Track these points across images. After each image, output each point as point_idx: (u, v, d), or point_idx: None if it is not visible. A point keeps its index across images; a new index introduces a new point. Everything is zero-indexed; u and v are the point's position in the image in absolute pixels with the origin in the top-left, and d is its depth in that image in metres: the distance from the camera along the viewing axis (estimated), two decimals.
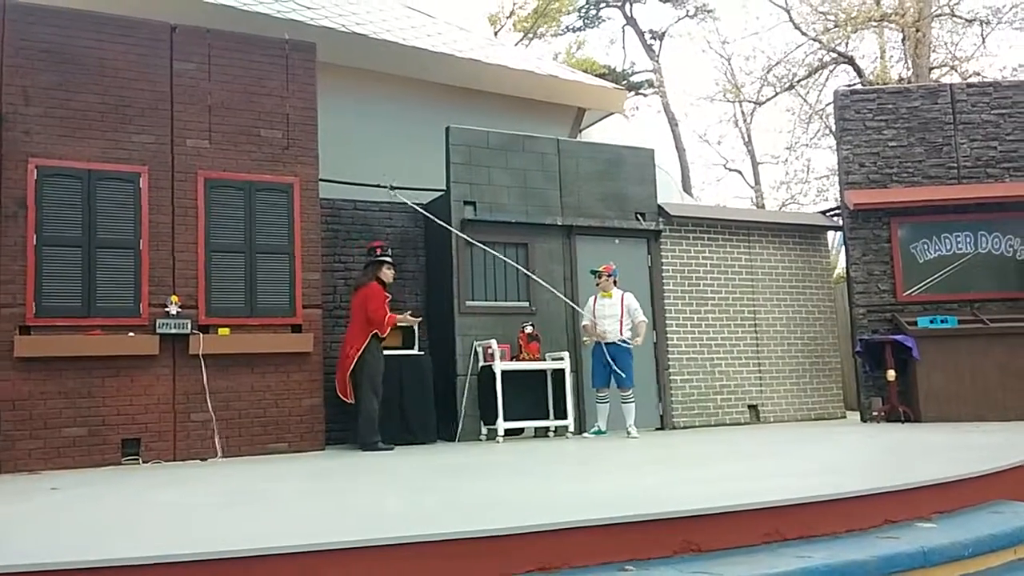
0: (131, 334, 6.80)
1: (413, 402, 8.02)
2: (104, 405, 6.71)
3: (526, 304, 8.85)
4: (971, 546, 3.66)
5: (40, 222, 6.65)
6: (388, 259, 7.88)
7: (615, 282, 8.47)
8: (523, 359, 8.37)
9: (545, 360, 8.50)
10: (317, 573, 2.88)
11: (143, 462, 6.75)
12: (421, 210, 8.94)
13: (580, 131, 13.20)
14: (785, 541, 3.57)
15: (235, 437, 7.12)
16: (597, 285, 8.48)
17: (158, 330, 6.86)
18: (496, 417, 7.98)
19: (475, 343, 8.47)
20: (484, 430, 8.32)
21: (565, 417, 8.38)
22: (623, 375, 8.21)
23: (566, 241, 9.20)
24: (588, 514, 3.39)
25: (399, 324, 7.82)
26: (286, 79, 7.76)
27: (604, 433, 8.32)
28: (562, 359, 8.47)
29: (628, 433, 8.22)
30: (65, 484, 5.37)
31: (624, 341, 8.27)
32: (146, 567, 2.73)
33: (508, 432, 8.12)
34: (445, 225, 8.58)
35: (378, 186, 8.98)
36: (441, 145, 8.88)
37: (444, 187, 8.86)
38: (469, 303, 8.59)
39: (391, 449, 7.34)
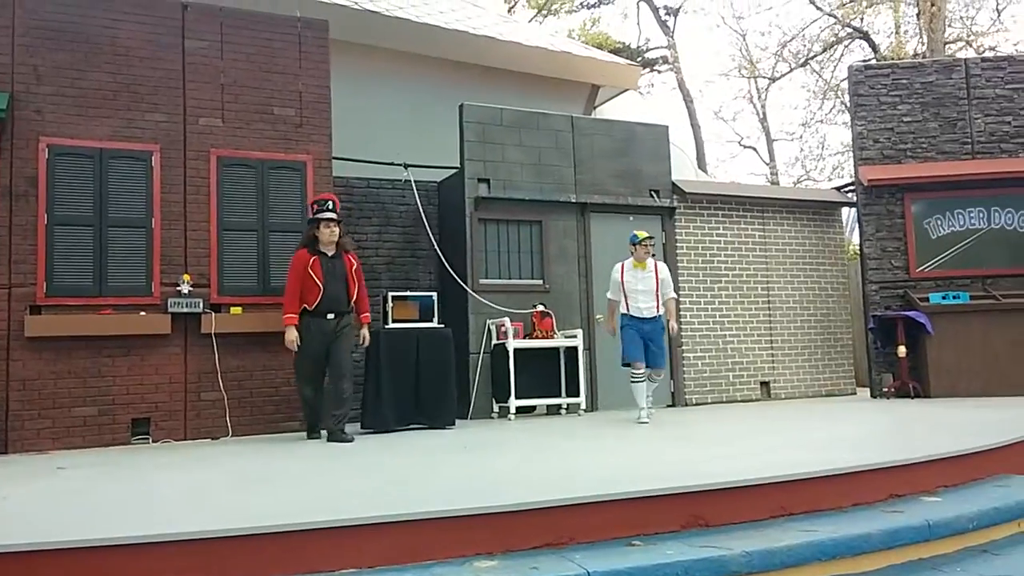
0: (143, 313, 6.83)
1: (430, 381, 7.25)
2: (114, 384, 6.75)
3: (540, 282, 8.86)
4: (975, 519, 3.68)
5: (51, 201, 6.67)
6: (326, 215, 6.57)
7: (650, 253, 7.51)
8: (537, 336, 8.39)
9: (558, 337, 8.50)
10: (315, 549, 2.93)
11: (153, 441, 6.80)
12: (419, 204, 8.94)
13: (595, 108, 13.13)
14: (792, 516, 3.60)
15: (246, 416, 7.16)
16: (632, 254, 7.47)
17: (170, 309, 6.89)
18: (508, 395, 8.01)
19: (488, 321, 8.50)
20: (496, 408, 8.37)
21: (577, 395, 8.41)
22: (659, 354, 7.34)
23: (580, 218, 9.19)
24: (596, 490, 3.42)
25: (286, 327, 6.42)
26: (299, 57, 7.76)
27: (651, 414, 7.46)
28: (575, 336, 8.48)
29: (639, 418, 7.30)
30: (73, 464, 5.44)
31: (661, 316, 7.39)
32: (145, 546, 2.79)
33: (520, 410, 8.16)
34: (428, 227, 8.59)
35: (391, 164, 9.00)
36: (455, 122, 8.86)
37: (458, 165, 8.86)
38: (483, 281, 8.61)
39: (316, 438, 6.61)
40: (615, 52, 19.32)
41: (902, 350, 9.29)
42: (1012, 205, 9.73)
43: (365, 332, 6.84)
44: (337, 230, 6.61)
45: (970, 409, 7.36)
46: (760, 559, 3.12)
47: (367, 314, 6.85)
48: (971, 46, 20.35)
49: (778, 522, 3.53)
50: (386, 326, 7.38)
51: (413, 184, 9.01)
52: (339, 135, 8.05)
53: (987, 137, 9.91)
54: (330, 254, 6.59)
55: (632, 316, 7.33)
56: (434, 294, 7.78)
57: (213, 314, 7.03)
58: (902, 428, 6.06)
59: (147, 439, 6.80)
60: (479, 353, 8.45)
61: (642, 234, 7.45)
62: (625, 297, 7.37)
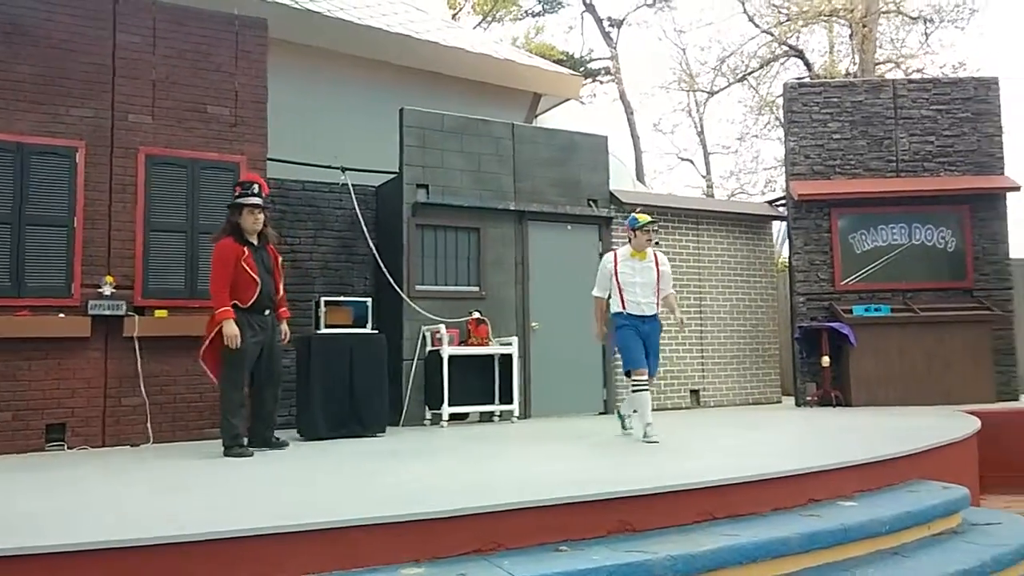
0: (61, 315, 6.59)
1: (362, 388, 7.06)
2: (30, 389, 6.48)
3: (476, 289, 8.86)
4: (889, 523, 3.82)
5: None
6: (251, 200, 6.02)
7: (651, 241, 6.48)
8: (472, 343, 8.37)
9: (493, 344, 8.50)
10: (243, 558, 2.88)
11: (68, 448, 6.57)
12: (357, 208, 8.86)
13: (536, 116, 13.21)
14: (715, 520, 3.68)
15: (168, 422, 6.96)
16: (630, 241, 6.45)
17: (90, 311, 6.65)
18: (441, 402, 7.98)
19: (423, 328, 8.45)
20: (429, 415, 8.32)
21: (511, 402, 8.42)
22: (653, 360, 6.35)
23: (518, 226, 9.21)
24: (524, 496, 3.44)
25: (223, 331, 5.80)
26: (235, 55, 7.61)
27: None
28: (510, 344, 8.49)
29: (646, 435, 6.07)
30: None
31: (658, 316, 6.42)
32: (60, 555, 2.71)
33: (453, 417, 8.13)
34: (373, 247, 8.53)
35: (328, 167, 8.89)
36: (395, 127, 8.80)
37: (397, 170, 8.80)
38: (419, 287, 8.57)
39: (250, 455, 5.80)
40: (558, 62, 19.48)
41: (825, 360, 9.59)
42: (932, 222, 10.15)
43: (286, 327, 6.40)
44: (262, 217, 6.09)
45: (888, 417, 7.62)
46: (684, 563, 3.18)
47: (286, 308, 6.48)
48: (900, 67, 21.18)
49: (702, 527, 3.60)
50: (318, 331, 7.23)
51: (351, 188, 8.92)
52: (275, 136, 7.90)
53: (911, 156, 10.31)
54: (256, 244, 6.13)
55: (629, 314, 6.29)
56: (369, 300, 7.68)
57: (136, 317, 6.81)
58: (822, 436, 6.23)
59: (62, 445, 6.55)
60: (413, 359, 8.40)
61: (643, 218, 6.36)
62: (620, 292, 6.31)
